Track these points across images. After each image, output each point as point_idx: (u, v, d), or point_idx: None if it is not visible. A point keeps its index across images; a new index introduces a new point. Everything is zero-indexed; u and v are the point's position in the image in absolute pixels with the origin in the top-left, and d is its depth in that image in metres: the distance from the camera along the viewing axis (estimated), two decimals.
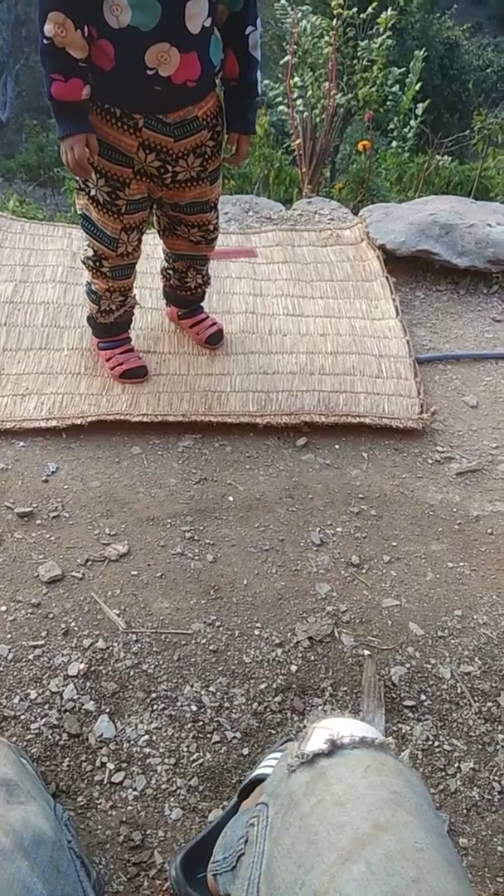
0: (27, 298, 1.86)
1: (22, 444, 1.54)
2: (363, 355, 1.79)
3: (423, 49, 4.00)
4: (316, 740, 0.59)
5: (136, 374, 1.67)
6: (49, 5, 1.15)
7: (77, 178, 1.39)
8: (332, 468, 1.56)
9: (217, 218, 1.57)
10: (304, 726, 0.66)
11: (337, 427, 1.63)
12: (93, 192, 1.39)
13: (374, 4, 3.81)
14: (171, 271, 1.68)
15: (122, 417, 1.58)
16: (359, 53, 3.80)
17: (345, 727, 0.61)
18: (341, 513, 1.47)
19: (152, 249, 1.92)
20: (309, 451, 1.59)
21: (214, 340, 1.77)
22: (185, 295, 1.73)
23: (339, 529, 1.44)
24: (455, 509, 1.50)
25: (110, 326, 1.67)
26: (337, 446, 1.61)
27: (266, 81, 4.07)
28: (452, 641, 1.27)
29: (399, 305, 1.93)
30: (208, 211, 1.52)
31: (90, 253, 1.51)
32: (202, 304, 1.79)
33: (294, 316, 1.90)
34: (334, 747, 0.58)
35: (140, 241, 1.52)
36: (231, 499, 1.47)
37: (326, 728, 0.61)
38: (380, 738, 0.59)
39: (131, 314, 1.69)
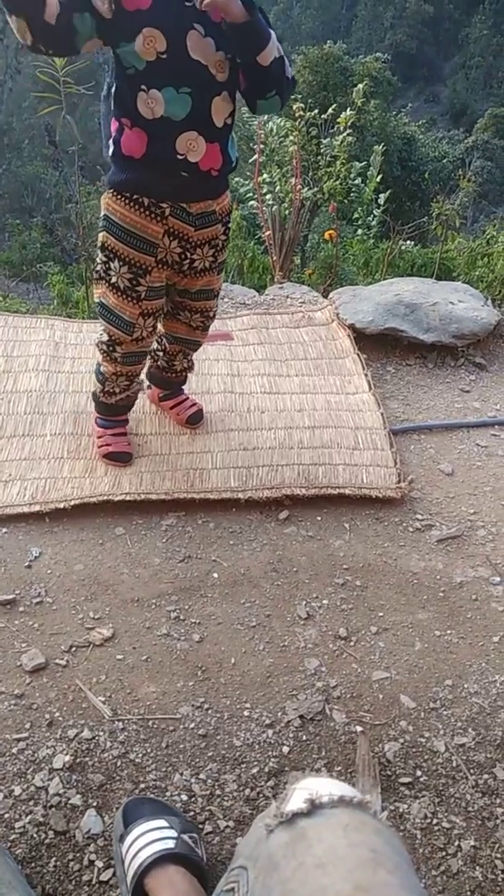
0: (10, 388, 1.91)
1: (5, 530, 1.54)
2: (339, 428, 1.84)
3: (382, 144, 4.30)
4: (295, 800, 0.59)
5: (119, 459, 1.69)
6: None
7: (98, 266, 1.46)
8: (315, 540, 1.57)
9: (217, 305, 1.66)
10: (285, 788, 0.64)
11: (318, 499, 1.66)
12: (114, 280, 1.46)
13: (334, 106, 4.13)
14: (160, 352, 1.74)
15: (105, 498, 1.60)
16: (322, 150, 4.09)
17: (324, 786, 0.60)
18: (326, 585, 1.47)
19: None
20: (291, 523, 1.61)
21: (195, 420, 1.81)
22: (170, 377, 1.79)
23: (325, 602, 1.44)
24: (438, 577, 1.51)
25: (110, 407, 1.71)
26: (319, 518, 1.63)
27: (237, 179, 4.34)
28: (445, 713, 1.26)
29: (371, 380, 2.01)
30: (212, 298, 1.61)
31: (105, 338, 1.56)
32: (182, 386, 1.85)
33: (271, 394, 1.96)
34: (313, 807, 0.57)
35: (155, 328, 1.57)
36: (216, 575, 1.47)
37: (305, 788, 0.60)
38: (358, 797, 0.58)
39: (134, 399, 1.73)
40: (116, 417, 1.73)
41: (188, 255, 1.46)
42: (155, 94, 1.26)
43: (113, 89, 1.33)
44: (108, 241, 1.43)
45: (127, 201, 1.38)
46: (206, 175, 1.36)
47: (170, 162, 1.32)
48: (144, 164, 1.33)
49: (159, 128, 1.29)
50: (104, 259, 1.45)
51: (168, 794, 1.11)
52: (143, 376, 1.70)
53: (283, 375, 2.03)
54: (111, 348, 1.56)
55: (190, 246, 1.45)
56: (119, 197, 1.38)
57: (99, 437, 1.72)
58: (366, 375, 2.03)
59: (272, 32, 1.26)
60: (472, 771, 1.17)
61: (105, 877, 1.01)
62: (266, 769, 1.15)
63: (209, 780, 1.13)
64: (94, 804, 1.09)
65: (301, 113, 3.76)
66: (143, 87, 1.25)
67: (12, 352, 2.04)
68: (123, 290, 1.46)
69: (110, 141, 1.37)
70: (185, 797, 1.11)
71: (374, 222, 3.62)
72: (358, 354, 2.11)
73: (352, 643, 1.36)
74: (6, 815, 1.06)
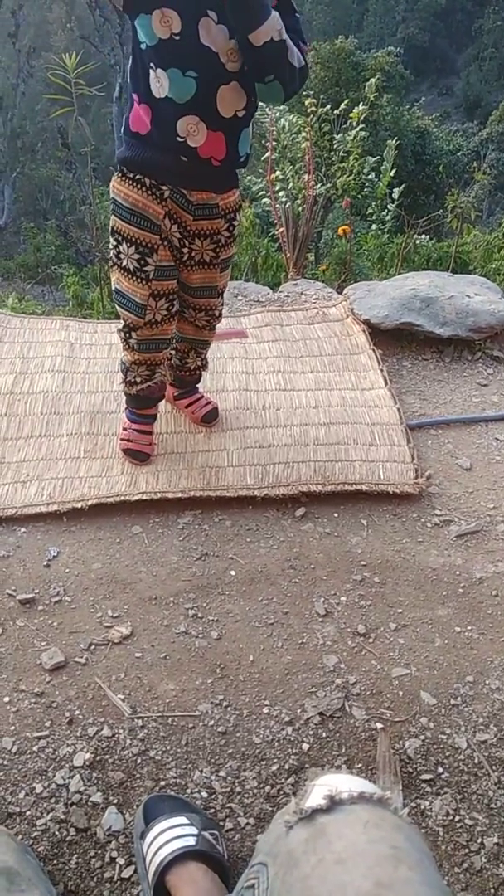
0: (27, 389, 1.92)
1: (23, 530, 1.55)
2: (355, 424, 1.83)
3: (396, 138, 4.28)
4: (315, 797, 0.58)
5: (135, 457, 1.70)
6: None
7: (110, 252, 1.47)
8: (332, 537, 1.56)
9: (222, 305, 1.65)
10: (304, 784, 0.64)
11: (334, 496, 1.65)
12: (124, 263, 1.47)
13: (346, 102, 4.11)
14: (173, 351, 1.74)
15: (122, 498, 1.60)
16: (335, 146, 4.07)
17: (343, 783, 0.60)
18: (344, 581, 1.46)
19: None
20: (308, 520, 1.60)
21: (210, 418, 1.81)
22: (185, 375, 1.79)
23: (343, 599, 1.43)
24: (458, 572, 1.50)
25: (133, 398, 1.71)
26: (336, 514, 1.62)
27: (249, 177, 4.33)
28: (466, 709, 1.24)
29: (387, 375, 1.99)
30: (215, 297, 1.60)
31: (122, 324, 1.57)
32: (197, 384, 1.85)
33: (286, 391, 1.95)
34: (333, 803, 0.57)
35: (170, 312, 1.55)
36: (233, 573, 1.47)
37: (324, 784, 0.60)
38: (378, 793, 0.58)
39: (157, 392, 1.70)
40: (142, 411, 1.72)
41: (186, 243, 1.47)
42: (161, 73, 1.27)
43: (129, 63, 1.35)
44: (115, 224, 1.44)
45: (130, 182, 1.39)
46: (206, 163, 1.36)
47: (170, 143, 1.33)
48: (148, 142, 1.34)
49: (163, 107, 1.30)
50: (114, 244, 1.47)
51: (188, 791, 1.11)
52: (165, 369, 1.67)
53: (298, 372, 2.02)
54: (128, 335, 1.57)
55: (188, 234, 1.46)
56: (123, 179, 1.40)
57: (123, 430, 1.73)
58: (381, 371, 2.01)
59: (274, 14, 1.22)
60: (494, 767, 1.16)
61: (126, 874, 1.01)
62: (286, 766, 1.15)
63: (229, 778, 1.13)
64: (115, 801, 1.09)
65: (313, 109, 3.75)
66: (152, 64, 1.27)
67: (28, 353, 2.05)
68: (133, 272, 1.47)
69: (123, 118, 1.39)
70: (205, 794, 1.11)
71: (388, 217, 3.60)
72: (373, 350, 2.09)
73: (371, 640, 1.36)
74: (28, 813, 1.07)
